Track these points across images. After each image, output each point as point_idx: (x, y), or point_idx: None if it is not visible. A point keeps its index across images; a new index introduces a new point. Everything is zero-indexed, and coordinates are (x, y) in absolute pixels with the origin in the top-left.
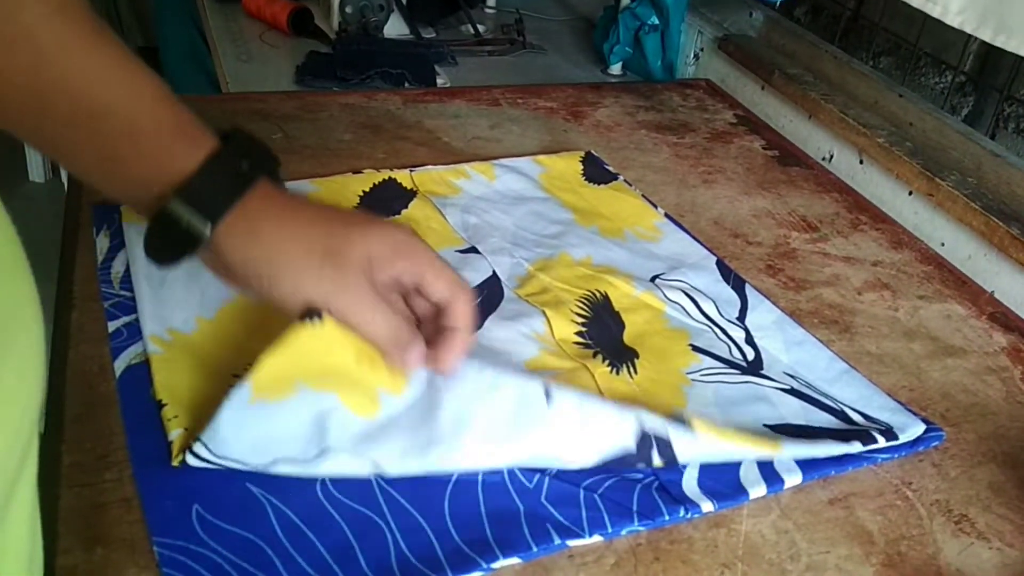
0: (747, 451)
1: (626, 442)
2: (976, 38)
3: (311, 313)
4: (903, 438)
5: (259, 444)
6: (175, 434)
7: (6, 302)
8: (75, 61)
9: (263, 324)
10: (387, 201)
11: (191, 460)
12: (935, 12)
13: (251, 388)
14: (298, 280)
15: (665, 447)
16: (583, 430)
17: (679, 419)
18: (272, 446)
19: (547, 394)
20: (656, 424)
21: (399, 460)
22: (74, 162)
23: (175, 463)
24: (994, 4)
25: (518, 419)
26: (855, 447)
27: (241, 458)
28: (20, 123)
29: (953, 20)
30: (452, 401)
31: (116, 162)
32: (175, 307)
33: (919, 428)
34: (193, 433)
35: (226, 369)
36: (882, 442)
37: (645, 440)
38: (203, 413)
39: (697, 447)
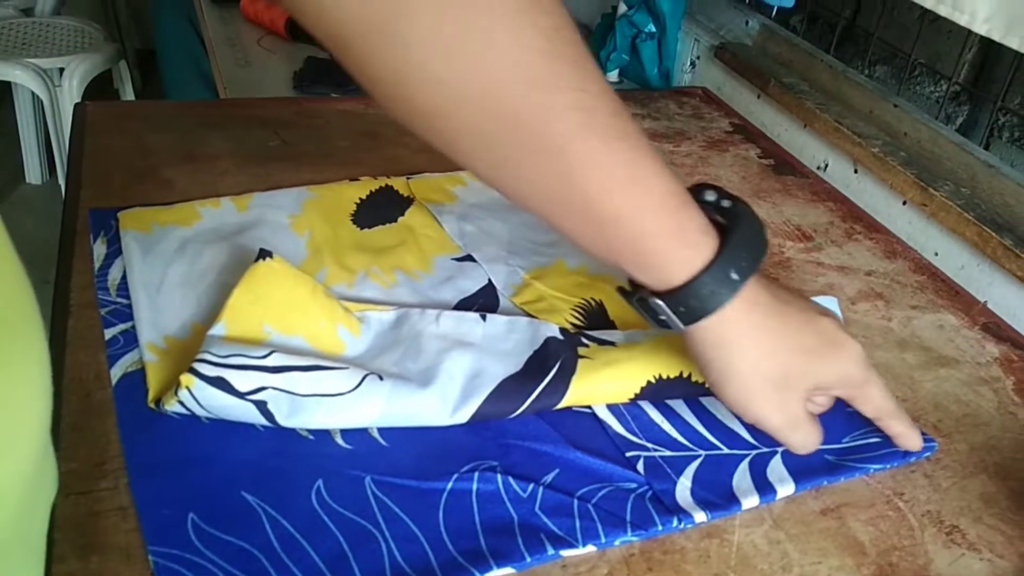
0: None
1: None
2: (971, 48)
3: (263, 254)
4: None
5: (253, 349)
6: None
7: (8, 315)
8: (597, 172)
9: (257, 332)
10: (383, 208)
11: (201, 368)
12: (962, 20)
13: (224, 328)
14: (747, 392)
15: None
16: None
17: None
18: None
19: (482, 317)
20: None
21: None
22: (574, 238)
23: (183, 391)
24: (1022, 12)
25: (458, 338)
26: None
27: (242, 351)
28: (540, 214)
29: (980, 28)
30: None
31: (614, 256)
32: (171, 314)
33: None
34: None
35: None
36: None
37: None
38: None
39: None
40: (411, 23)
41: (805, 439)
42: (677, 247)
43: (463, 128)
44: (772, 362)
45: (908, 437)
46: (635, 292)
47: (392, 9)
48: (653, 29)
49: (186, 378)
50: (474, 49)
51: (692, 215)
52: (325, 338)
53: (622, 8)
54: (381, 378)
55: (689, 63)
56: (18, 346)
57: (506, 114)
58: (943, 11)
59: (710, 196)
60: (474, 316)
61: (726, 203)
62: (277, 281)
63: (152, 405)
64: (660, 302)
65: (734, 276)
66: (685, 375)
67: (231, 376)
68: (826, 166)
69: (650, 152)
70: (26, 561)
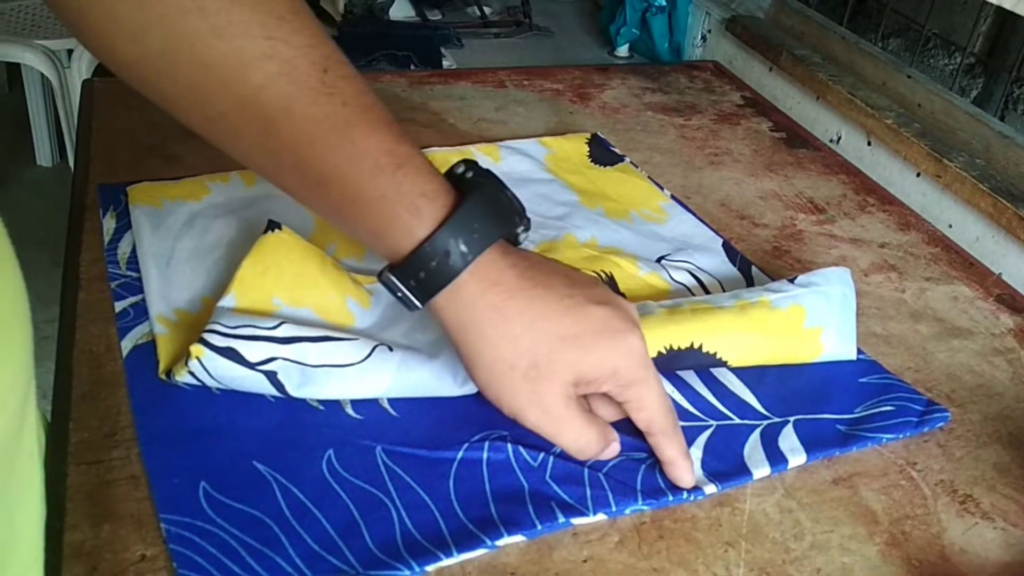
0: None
1: None
2: (986, 19)
3: (271, 225)
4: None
5: (262, 319)
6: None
7: None
8: (302, 127)
9: (267, 303)
10: None
11: (210, 338)
12: None
13: (234, 299)
14: (495, 381)
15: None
16: None
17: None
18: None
19: None
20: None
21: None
22: (310, 207)
23: (193, 359)
24: None
25: None
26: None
27: (252, 322)
28: (262, 171)
29: (1005, 1)
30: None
31: (345, 221)
32: (181, 288)
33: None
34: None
35: None
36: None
37: None
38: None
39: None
40: None
41: (577, 441)
42: (398, 212)
43: (168, 82)
44: (515, 348)
45: (677, 467)
46: (378, 274)
47: None
48: (663, 3)
49: (196, 348)
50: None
51: (414, 178)
52: (334, 310)
53: None
54: (391, 349)
55: (700, 37)
56: None
57: (196, 64)
58: None
59: (459, 169)
60: None
61: (469, 174)
62: (286, 252)
63: (163, 376)
64: (391, 276)
65: (462, 248)
66: (696, 346)
67: (241, 346)
68: (839, 138)
69: (372, 110)
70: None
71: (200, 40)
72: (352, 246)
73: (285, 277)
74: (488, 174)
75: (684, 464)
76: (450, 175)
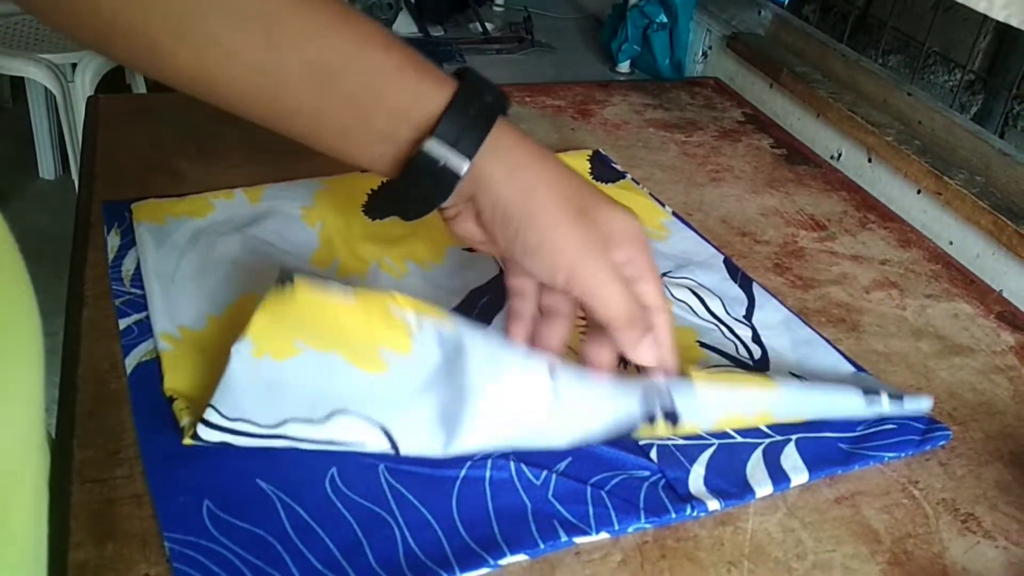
0: (746, 395)
1: (630, 409)
2: (986, 36)
3: (284, 276)
4: (908, 406)
5: (269, 401)
6: (186, 421)
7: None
8: (301, 25)
9: (288, 346)
10: None
11: (203, 432)
12: (980, 7)
13: (251, 343)
14: (548, 232)
15: (669, 405)
16: (587, 402)
17: (680, 379)
18: (282, 404)
19: (551, 369)
20: (660, 387)
21: (412, 435)
22: (316, 134)
23: (186, 441)
24: None
25: (525, 394)
26: (856, 401)
27: (252, 418)
28: (257, 103)
29: (999, 14)
30: (465, 375)
31: (361, 119)
32: (185, 305)
33: (927, 404)
34: (202, 411)
35: None
36: (885, 403)
37: (648, 400)
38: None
39: (698, 404)
40: None
41: (615, 292)
42: (420, 78)
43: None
44: (567, 183)
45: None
46: (409, 164)
47: None
48: (665, 19)
49: (190, 434)
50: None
51: (416, 53)
52: (363, 357)
53: None
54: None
55: (701, 53)
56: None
57: None
58: None
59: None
60: (543, 375)
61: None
62: (304, 307)
63: (187, 442)
64: (434, 144)
65: (489, 99)
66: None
67: (234, 441)
68: (840, 155)
69: (349, 10)
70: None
71: None
72: (356, 263)
73: (307, 326)
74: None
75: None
76: None
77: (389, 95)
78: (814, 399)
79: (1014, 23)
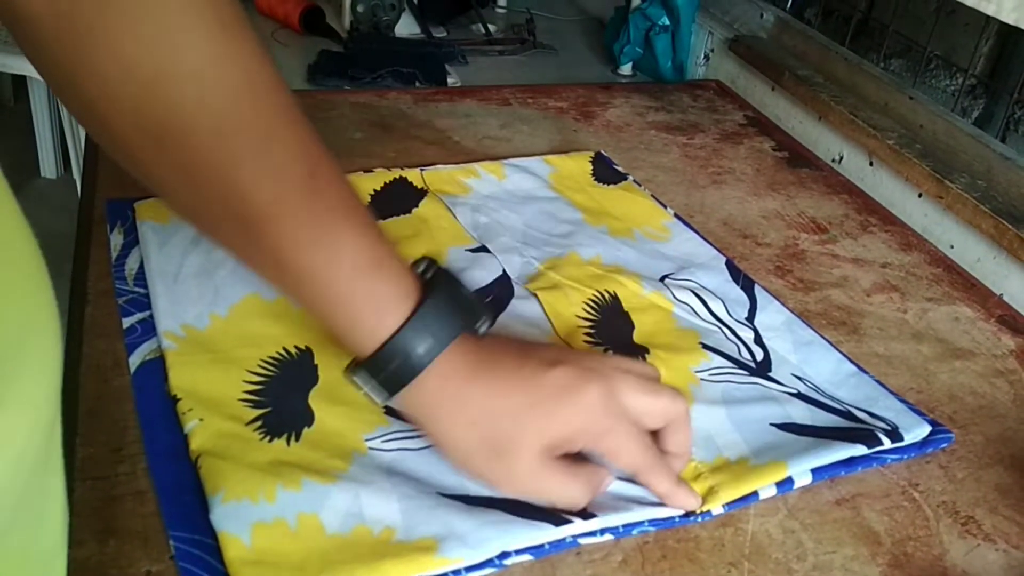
0: (760, 484)
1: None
2: (987, 40)
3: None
4: (908, 439)
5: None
6: (191, 426)
7: (27, 308)
8: (282, 226)
9: (276, 320)
10: (397, 200)
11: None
12: (990, 10)
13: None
14: (469, 464)
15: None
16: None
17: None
18: None
19: None
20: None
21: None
22: (280, 291)
23: (193, 453)
24: None
25: None
26: (859, 449)
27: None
28: (234, 252)
29: (1008, 17)
30: None
31: (314, 315)
32: (189, 304)
33: (925, 430)
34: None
35: (239, 364)
36: (887, 443)
37: None
38: (216, 407)
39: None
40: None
41: (562, 498)
42: (367, 313)
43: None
44: (478, 432)
45: (675, 497)
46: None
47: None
48: (667, 22)
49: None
50: (156, 61)
51: (388, 279)
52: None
53: (636, 1)
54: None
55: (703, 56)
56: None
57: (187, 154)
58: (970, 1)
59: (419, 268)
60: None
61: (428, 274)
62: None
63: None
64: (357, 374)
65: (421, 349)
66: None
67: None
68: (841, 159)
69: (351, 207)
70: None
71: (194, 134)
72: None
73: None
74: (441, 270)
75: (680, 492)
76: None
77: (338, 318)
78: (821, 458)
79: (1011, 21)
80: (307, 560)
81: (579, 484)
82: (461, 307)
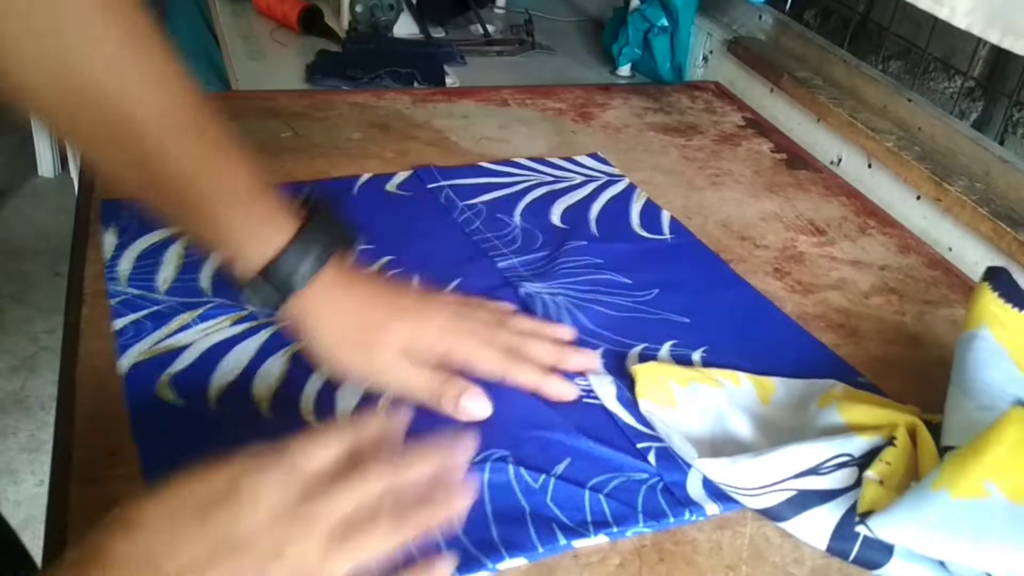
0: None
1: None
2: (985, 43)
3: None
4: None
5: (929, 531)
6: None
7: None
8: (179, 160)
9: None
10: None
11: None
12: (942, 14)
13: (938, 477)
14: (336, 351)
15: None
16: None
17: None
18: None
19: None
20: None
21: None
22: (176, 224)
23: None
24: (1002, 6)
25: None
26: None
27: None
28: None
29: (960, 22)
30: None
31: (215, 240)
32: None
33: None
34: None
35: None
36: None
37: None
38: None
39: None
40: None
41: (407, 383)
42: (258, 233)
43: (49, 104)
44: (347, 327)
45: (545, 386)
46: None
47: None
48: (666, 23)
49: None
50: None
51: (274, 203)
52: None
53: (635, 2)
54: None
55: (702, 57)
56: None
57: (85, 96)
58: (923, 4)
59: (302, 197)
60: None
61: (310, 203)
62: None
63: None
64: (250, 288)
65: (306, 262)
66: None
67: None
68: (840, 161)
69: (233, 143)
70: None
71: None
72: None
73: (1006, 465)
74: (325, 202)
75: (549, 381)
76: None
77: (229, 243)
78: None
79: (975, 31)
80: None
81: (429, 373)
82: (340, 229)
